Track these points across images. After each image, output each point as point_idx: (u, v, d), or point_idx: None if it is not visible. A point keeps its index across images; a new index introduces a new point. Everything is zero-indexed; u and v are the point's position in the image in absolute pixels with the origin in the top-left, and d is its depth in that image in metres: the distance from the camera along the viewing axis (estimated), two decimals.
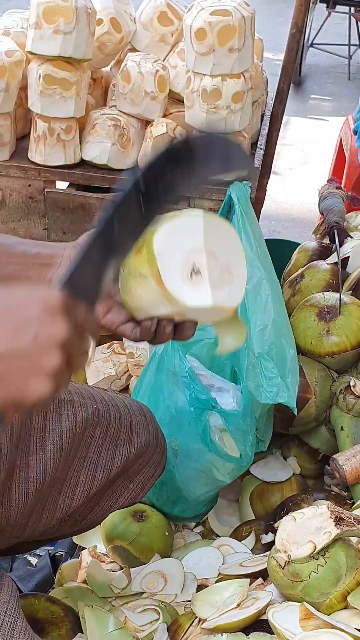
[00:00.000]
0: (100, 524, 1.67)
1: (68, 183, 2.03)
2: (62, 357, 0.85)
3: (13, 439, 1.30)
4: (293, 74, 2.31)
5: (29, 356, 0.84)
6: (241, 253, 1.06)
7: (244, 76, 1.89)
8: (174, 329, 1.05)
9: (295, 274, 2.10)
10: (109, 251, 0.94)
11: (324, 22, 6.16)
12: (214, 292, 1.01)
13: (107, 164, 1.95)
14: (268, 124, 2.29)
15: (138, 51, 2.09)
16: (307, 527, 1.44)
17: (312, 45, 6.19)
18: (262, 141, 2.22)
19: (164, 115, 2.02)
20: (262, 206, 2.44)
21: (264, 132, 2.27)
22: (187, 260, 1.00)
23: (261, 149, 2.17)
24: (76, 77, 1.88)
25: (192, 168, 0.98)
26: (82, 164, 1.99)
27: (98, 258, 0.94)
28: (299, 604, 1.39)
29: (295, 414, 1.74)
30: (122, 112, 1.98)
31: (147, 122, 1.99)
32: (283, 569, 1.42)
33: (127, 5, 2.08)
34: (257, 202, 2.22)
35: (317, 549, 1.40)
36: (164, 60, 2.06)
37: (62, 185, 2.04)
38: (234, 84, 1.87)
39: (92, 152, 1.96)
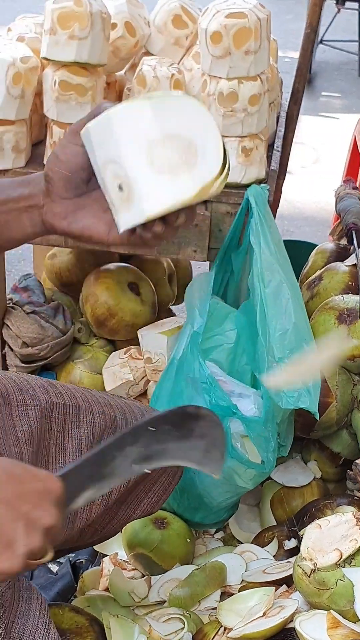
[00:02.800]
0: (120, 532, 1.67)
1: None
2: (42, 542, 0.87)
3: (33, 447, 1.29)
4: None
5: (15, 529, 0.85)
6: (207, 125, 0.99)
7: (260, 78, 1.87)
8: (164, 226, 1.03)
9: (313, 276, 2.08)
10: (94, 477, 0.98)
11: (333, 18, 6.13)
12: (175, 183, 0.97)
13: None
14: (284, 125, 2.27)
15: (153, 55, 2.08)
16: (333, 535, 1.44)
17: (321, 42, 6.16)
18: (278, 143, 2.21)
19: None
20: (277, 207, 2.42)
21: (280, 133, 2.25)
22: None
23: (278, 150, 2.16)
24: (92, 82, 1.87)
25: (188, 438, 1.05)
26: None
27: (91, 475, 0.97)
28: (325, 612, 1.39)
29: (317, 419, 1.73)
30: None
31: None
32: (309, 577, 1.41)
33: (142, 9, 2.07)
34: (274, 203, 2.20)
35: (343, 557, 1.39)
36: (179, 64, 2.05)
37: None
38: (250, 86, 1.85)
39: None
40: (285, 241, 1.94)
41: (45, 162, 1.97)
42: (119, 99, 2.19)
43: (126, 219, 1.00)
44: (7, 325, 2.15)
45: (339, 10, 6.07)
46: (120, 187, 0.99)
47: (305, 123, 5.08)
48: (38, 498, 0.87)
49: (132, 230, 1.03)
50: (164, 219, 1.01)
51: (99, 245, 1.12)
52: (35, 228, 1.11)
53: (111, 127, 0.98)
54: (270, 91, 2.11)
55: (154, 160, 0.97)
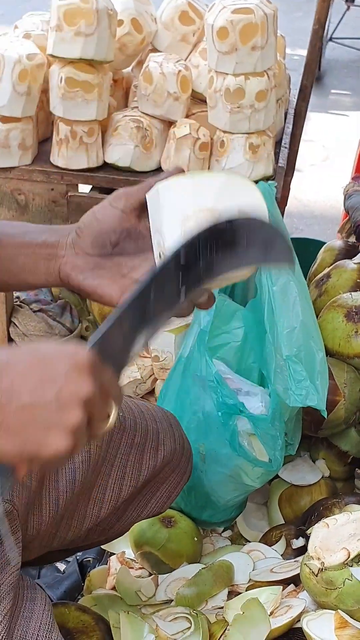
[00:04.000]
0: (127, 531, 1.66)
1: (91, 186, 2.02)
2: (83, 415, 0.84)
3: None
4: None
5: (50, 410, 0.83)
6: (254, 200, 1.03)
7: (267, 74, 1.86)
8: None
9: (321, 274, 2.07)
10: (141, 320, 0.93)
11: (343, 15, 6.10)
12: None
13: (130, 166, 1.94)
14: (292, 122, 2.26)
15: (159, 51, 2.07)
16: (341, 534, 1.43)
17: (331, 39, 6.13)
18: (286, 140, 2.19)
19: (187, 116, 2.00)
20: (286, 205, 2.41)
21: (288, 130, 2.24)
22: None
23: (285, 147, 2.15)
24: (98, 79, 1.87)
25: (233, 250, 0.96)
26: (105, 166, 1.98)
27: (130, 325, 0.92)
28: (333, 612, 1.37)
29: (325, 417, 1.72)
30: (145, 114, 1.96)
31: (169, 123, 1.97)
32: (316, 576, 1.40)
33: (148, 5, 2.07)
34: (282, 201, 2.20)
35: (351, 556, 1.38)
36: (185, 60, 2.04)
37: (85, 188, 2.03)
38: (257, 82, 1.84)
39: (115, 154, 1.94)
40: (293, 239, 1.93)
41: (51, 159, 1.97)
42: (126, 96, 2.18)
43: None
44: (15, 323, 2.15)
45: (348, 7, 6.04)
46: (160, 256, 1.03)
47: (315, 121, 5.05)
48: (66, 375, 0.84)
49: None
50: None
51: (109, 304, 1.12)
52: (49, 277, 1.12)
53: (158, 198, 1.02)
54: (278, 88, 2.10)
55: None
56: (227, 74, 1.85)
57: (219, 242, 0.95)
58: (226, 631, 1.42)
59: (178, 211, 1.01)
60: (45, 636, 1.06)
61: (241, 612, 1.42)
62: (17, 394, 0.82)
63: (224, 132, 1.90)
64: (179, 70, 1.91)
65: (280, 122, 2.19)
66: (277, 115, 2.12)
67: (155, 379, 2.13)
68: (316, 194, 4.14)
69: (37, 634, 1.06)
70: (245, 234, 0.96)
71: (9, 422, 0.82)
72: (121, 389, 0.91)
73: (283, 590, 1.54)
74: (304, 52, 2.26)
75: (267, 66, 1.87)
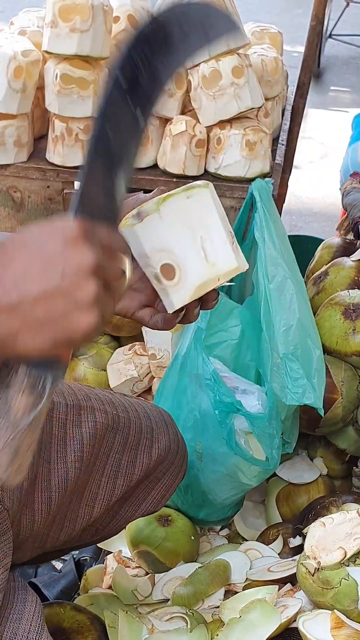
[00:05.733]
0: (123, 530, 1.65)
1: None
2: (97, 284, 0.82)
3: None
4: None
5: (63, 293, 0.81)
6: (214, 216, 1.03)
7: (237, 54, 1.87)
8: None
9: (319, 271, 2.06)
10: (111, 162, 0.88)
11: (342, 12, 6.09)
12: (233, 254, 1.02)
13: None
14: (289, 118, 2.25)
15: None
16: (337, 533, 1.42)
17: (330, 36, 6.12)
18: (283, 136, 2.18)
19: (183, 113, 1.99)
20: (283, 202, 2.40)
21: (285, 127, 2.23)
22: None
23: (283, 144, 2.14)
24: (94, 75, 1.86)
25: (170, 47, 0.91)
26: None
27: (102, 173, 0.88)
28: (329, 611, 1.37)
29: (322, 415, 1.71)
30: None
31: (165, 120, 1.96)
32: (313, 575, 1.39)
33: (145, 1, 2.06)
34: (279, 198, 2.18)
35: (347, 556, 1.37)
36: None
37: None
38: (229, 60, 1.84)
39: None
40: (291, 236, 1.92)
41: (47, 156, 1.96)
42: None
43: (177, 298, 1.02)
44: None
45: (348, 4, 6.02)
46: (165, 273, 1.02)
47: (314, 118, 5.04)
48: (64, 253, 0.81)
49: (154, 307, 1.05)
50: (201, 298, 1.03)
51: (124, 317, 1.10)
52: None
53: (161, 220, 1.02)
54: (275, 84, 2.09)
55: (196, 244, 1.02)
56: (201, 63, 1.86)
57: (151, 45, 0.89)
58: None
59: (186, 227, 1.01)
60: (35, 638, 1.05)
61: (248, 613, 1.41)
62: (25, 290, 0.80)
63: (220, 124, 1.89)
64: None
65: (277, 119, 2.18)
66: (274, 111, 2.11)
67: (152, 377, 2.12)
68: (315, 192, 4.13)
69: (27, 636, 1.05)
70: (175, 24, 0.91)
71: (30, 319, 0.80)
72: (123, 239, 0.89)
73: (280, 589, 1.53)
74: (303, 49, 2.25)
75: (240, 43, 1.87)
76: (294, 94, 2.28)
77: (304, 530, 1.53)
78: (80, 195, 0.86)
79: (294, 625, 1.39)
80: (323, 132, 4.84)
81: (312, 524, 1.46)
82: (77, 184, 0.90)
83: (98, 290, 0.82)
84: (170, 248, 1.01)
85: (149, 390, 2.13)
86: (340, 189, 2.52)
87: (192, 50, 0.94)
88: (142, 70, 0.89)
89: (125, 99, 0.88)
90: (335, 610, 1.36)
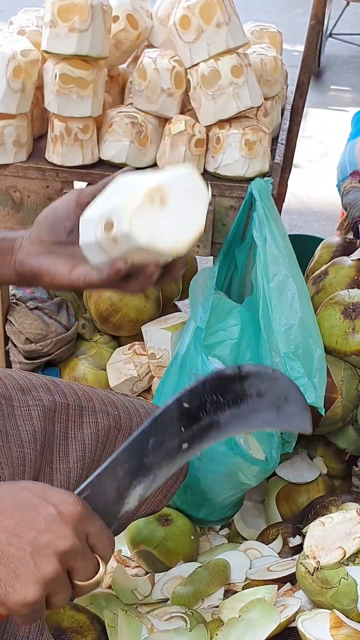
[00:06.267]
0: (123, 531, 1.65)
1: (86, 183, 2.00)
2: (58, 568, 0.80)
3: (37, 447, 1.28)
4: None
5: (24, 556, 0.80)
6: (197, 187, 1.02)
7: (237, 53, 1.87)
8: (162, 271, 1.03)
9: (318, 271, 2.06)
10: (138, 468, 0.88)
11: (342, 11, 6.08)
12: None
13: (126, 162, 1.92)
14: (289, 117, 2.25)
15: (155, 47, 2.06)
16: (336, 533, 1.42)
17: (330, 35, 6.12)
18: (283, 136, 2.18)
19: (182, 112, 1.99)
20: (283, 201, 2.40)
21: (285, 126, 2.23)
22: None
23: (282, 143, 2.14)
24: (93, 75, 1.85)
25: (242, 403, 0.91)
26: (100, 163, 1.96)
27: (125, 472, 0.88)
28: (329, 611, 1.37)
29: (323, 415, 1.71)
30: (139, 110, 1.95)
31: (164, 120, 1.96)
32: (312, 575, 1.39)
33: (144, 1, 2.05)
34: (279, 197, 2.18)
35: (346, 555, 1.37)
36: None
37: (80, 185, 2.02)
38: (228, 59, 1.84)
39: (110, 151, 1.93)
40: (291, 236, 1.92)
41: (46, 156, 1.96)
42: (122, 92, 2.17)
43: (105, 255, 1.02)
44: (11, 321, 2.14)
45: (348, 3, 6.02)
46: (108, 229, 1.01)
47: (314, 117, 5.04)
48: (47, 523, 0.81)
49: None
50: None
51: (60, 285, 1.11)
52: (4, 270, 1.12)
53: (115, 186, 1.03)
54: (274, 83, 2.08)
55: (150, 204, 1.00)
56: (199, 63, 1.86)
57: (225, 391, 0.90)
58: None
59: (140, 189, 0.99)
60: (36, 638, 1.05)
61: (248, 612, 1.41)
62: None
63: (219, 123, 1.89)
64: (173, 67, 1.89)
65: (277, 118, 2.18)
66: (273, 111, 2.11)
67: (152, 377, 2.12)
68: (315, 191, 4.13)
69: (27, 637, 1.05)
70: (256, 386, 0.91)
71: None
72: (111, 543, 0.86)
73: (279, 589, 1.53)
74: (303, 49, 2.24)
75: (239, 42, 1.87)
76: (293, 93, 2.27)
77: (304, 530, 1.53)
78: (94, 478, 0.87)
79: (293, 624, 1.39)
80: (323, 131, 4.84)
81: (312, 523, 1.46)
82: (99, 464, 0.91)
83: (55, 574, 0.80)
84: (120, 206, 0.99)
85: (148, 389, 2.13)
86: (337, 185, 2.52)
87: (257, 420, 0.93)
88: (206, 408, 0.89)
89: (179, 425, 0.89)
90: (334, 609, 1.36)
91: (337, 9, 6.15)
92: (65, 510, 0.82)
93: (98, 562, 0.84)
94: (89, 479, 0.87)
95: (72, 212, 1.09)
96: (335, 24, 6.11)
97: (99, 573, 0.84)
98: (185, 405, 0.88)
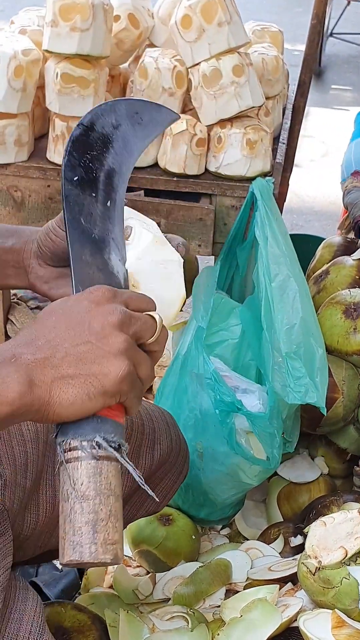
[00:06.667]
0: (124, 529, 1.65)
1: None
2: (124, 335, 0.86)
3: (39, 447, 1.28)
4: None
5: (91, 344, 0.86)
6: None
7: (238, 53, 1.87)
8: None
9: (319, 270, 2.06)
10: (96, 245, 0.97)
11: (343, 11, 6.09)
12: None
13: None
14: (290, 117, 2.25)
15: (156, 47, 2.06)
16: (338, 532, 1.41)
17: (331, 34, 6.12)
18: (284, 135, 2.18)
19: (183, 112, 1.99)
20: (284, 201, 2.40)
21: (286, 125, 2.23)
22: None
23: (283, 143, 2.14)
24: (94, 74, 1.85)
25: (106, 138, 1.01)
26: None
27: (89, 254, 0.97)
28: (330, 611, 1.36)
29: (325, 414, 1.71)
30: None
31: None
32: (314, 575, 1.39)
33: (145, 0, 2.05)
34: (280, 197, 2.18)
35: (348, 555, 1.37)
36: None
37: None
38: (230, 59, 1.85)
39: None
40: (292, 235, 1.92)
41: (47, 156, 1.96)
42: (123, 91, 2.17)
43: None
44: (12, 320, 2.14)
45: (349, 2, 6.02)
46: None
47: (315, 116, 5.04)
48: (89, 312, 0.88)
49: None
50: None
51: None
52: (19, 282, 1.17)
53: None
54: (275, 83, 2.08)
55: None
56: (200, 62, 1.86)
57: (85, 145, 0.99)
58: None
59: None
60: (36, 639, 1.05)
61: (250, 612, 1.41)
62: (57, 345, 0.85)
63: (220, 123, 1.89)
64: (174, 66, 1.89)
65: (278, 117, 2.18)
66: (275, 110, 2.11)
67: (154, 375, 2.12)
68: (316, 190, 4.13)
69: (28, 637, 1.04)
70: (102, 120, 1.01)
71: (63, 370, 0.84)
72: (146, 296, 0.93)
73: (281, 588, 1.53)
74: (304, 48, 2.25)
75: (241, 42, 1.88)
76: (294, 92, 2.28)
77: (305, 530, 1.53)
78: (76, 276, 0.95)
79: (294, 624, 1.39)
80: (324, 130, 4.84)
81: (313, 523, 1.46)
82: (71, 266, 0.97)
83: (126, 341, 0.86)
84: None
85: (149, 389, 2.13)
86: (341, 183, 2.52)
87: (130, 135, 1.03)
88: (84, 166, 0.99)
89: (86, 192, 0.99)
90: (336, 609, 1.36)
91: (337, 8, 6.15)
92: (96, 296, 0.89)
93: (152, 317, 0.91)
94: (73, 283, 0.95)
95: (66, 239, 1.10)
96: (336, 24, 6.12)
97: (158, 324, 0.91)
98: (73, 176, 0.98)
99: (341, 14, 6.09)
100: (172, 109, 1.11)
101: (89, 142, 1.01)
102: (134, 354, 0.87)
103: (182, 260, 1.03)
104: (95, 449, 0.85)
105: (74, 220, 0.98)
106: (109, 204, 1.01)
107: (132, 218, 1.06)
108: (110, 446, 0.86)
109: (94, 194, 1.00)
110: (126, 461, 0.88)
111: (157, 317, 0.91)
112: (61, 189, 0.99)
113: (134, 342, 0.87)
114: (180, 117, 1.15)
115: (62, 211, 1.00)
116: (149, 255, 1.02)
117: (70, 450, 0.86)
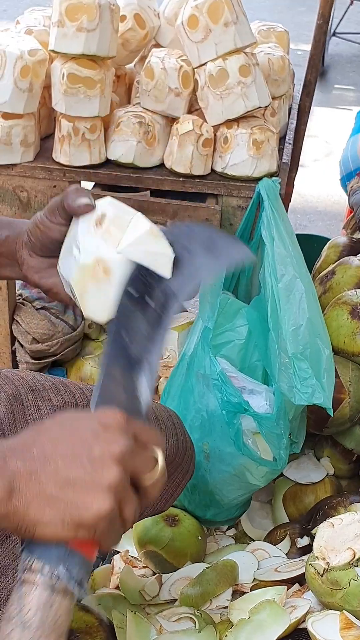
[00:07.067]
0: (130, 529, 1.65)
1: (94, 183, 2.00)
2: (120, 472, 0.83)
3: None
4: None
5: (85, 471, 0.83)
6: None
7: (244, 53, 1.86)
8: None
9: (325, 271, 2.06)
10: (129, 363, 0.93)
11: (346, 10, 6.08)
12: None
13: (133, 162, 1.92)
14: (296, 117, 2.24)
15: (162, 47, 2.06)
16: (346, 534, 1.41)
17: (334, 34, 6.11)
18: (290, 135, 2.18)
19: (189, 112, 1.98)
20: (290, 201, 2.40)
21: (292, 126, 2.23)
22: None
23: (290, 143, 2.13)
24: (100, 75, 1.85)
25: (178, 263, 0.98)
26: (107, 163, 1.96)
27: (121, 374, 0.93)
28: (338, 612, 1.36)
29: (331, 415, 1.71)
30: (147, 110, 1.94)
31: (172, 119, 1.96)
32: (322, 576, 1.39)
33: (151, 0, 2.05)
34: (286, 197, 2.18)
35: (356, 556, 1.37)
36: None
37: (87, 185, 2.02)
38: (236, 59, 1.84)
39: (118, 151, 1.93)
40: (297, 235, 1.91)
41: (53, 156, 1.96)
42: (129, 91, 2.17)
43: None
44: (17, 321, 2.14)
45: (351, 2, 6.02)
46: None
47: (318, 116, 5.04)
48: (95, 436, 0.84)
49: None
50: None
51: (63, 302, 1.17)
52: (12, 273, 1.17)
53: (76, 228, 1.04)
54: (282, 83, 2.08)
55: None
56: (207, 63, 1.85)
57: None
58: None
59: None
60: None
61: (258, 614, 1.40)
62: (51, 460, 0.82)
63: (227, 123, 1.89)
64: (181, 66, 1.89)
65: (284, 117, 2.17)
66: (280, 110, 2.10)
67: (159, 377, 2.12)
68: (319, 190, 4.13)
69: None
70: (181, 239, 0.99)
71: (47, 489, 0.81)
72: (158, 433, 0.90)
73: (288, 590, 1.53)
74: (307, 47, 2.25)
75: (247, 42, 1.87)
76: (300, 92, 2.27)
77: (313, 531, 1.53)
78: (100, 392, 0.91)
79: (302, 625, 1.39)
80: (327, 130, 4.84)
81: (321, 524, 1.46)
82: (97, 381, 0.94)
83: (119, 478, 0.83)
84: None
85: (155, 390, 2.13)
86: (341, 179, 2.52)
87: (201, 269, 1.00)
88: (150, 283, 0.97)
89: (138, 307, 0.96)
90: (344, 610, 1.36)
91: (340, 8, 6.14)
92: (108, 420, 0.85)
93: (154, 455, 0.87)
94: (95, 396, 0.91)
95: (59, 235, 1.09)
96: (339, 23, 6.11)
97: (160, 460, 0.87)
98: (132, 291, 0.96)
99: (344, 14, 6.09)
100: (249, 249, 1.07)
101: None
102: (122, 493, 0.83)
103: (174, 256, 0.99)
104: (53, 579, 0.82)
105: (116, 332, 0.95)
106: (157, 325, 0.97)
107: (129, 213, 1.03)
108: (70, 581, 0.82)
109: (143, 311, 0.97)
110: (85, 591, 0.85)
111: (160, 459, 0.88)
112: (118, 295, 0.96)
113: (127, 479, 0.84)
114: (254, 258, 1.11)
115: (112, 318, 0.97)
116: (141, 244, 0.99)
117: (30, 570, 0.82)
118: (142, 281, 0.97)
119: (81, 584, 0.83)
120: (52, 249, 1.11)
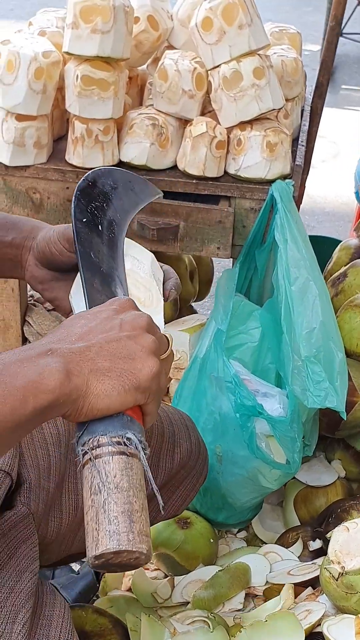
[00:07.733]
0: None
1: None
2: (152, 337, 0.92)
3: (62, 450, 1.28)
4: None
5: (125, 341, 0.90)
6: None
7: (258, 55, 1.87)
8: None
9: (337, 273, 2.05)
10: (104, 278, 1.06)
11: (353, 11, 6.05)
12: None
13: (146, 164, 1.92)
14: (308, 119, 2.24)
15: (175, 49, 2.05)
16: None
17: (341, 34, 6.09)
18: (302, 137, 2.18)
19: (203, 114, 1.98)
20: (301, 202, 2.39)
21: (304, 127, 2.22)
22: None
23: (303, 145, 2.13)
24: (114, 77, 1.85)
25: (110, 195, 1.15)
26: (121, 165, 1.96)
27: (101, 285, 1.04)
28: (354, 616, 1.36)
29: (344, 419, 1.70)
30: (160, 111, 1.94)
31: (185, 121, 1.95)
32: (337, 580, 1.39)
33: (164, 2, 2.04)
34: (297, 199, 2.17)
35: None
36: None
37: None
38: (250, 61, 1.84)
39: (131, 153, 1.92)
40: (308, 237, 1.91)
41: (66, 158, 1.95)
42: (141, 93, 2.16)
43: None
44: (29, 322, 2.14)
45: (359, 2, 6.00)
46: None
47: (326, 117, 4.99)
48: (118, 315, 0.93)
49: None
50: None
51: (65, 312, 1.24)
52: (15, 274, 1.23)
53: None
54: (295, 85, 2.08)
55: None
56: (221, 64, 1.85)
57: (90, 194, 1.13)
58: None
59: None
60: (67, 638, 1.04)
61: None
62: (91, 341, 0.89)
63: (240, 125, 1.89)
64: (194, 68, 1.89)
65: (297, 119, 2.17)
66: (293, 112, 2.10)
67: (170, 379, 2.12)
68: (327, 191, 4.12)
69: (59, 637, 1.04)
70: (104, 182, 1.16)
71: (99, 364, 0.87)
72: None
73: (301, 593, 1.53)
74: (313, 47, 2.25)
75: (262, 44, 1.87)
76: (311, 94, 2.27)
77: (327, 535, 1.53)
78: (88, 297, 1.02)
79: (317, 629, 1.39)
80: (335, 131, 4.83)
81: (336, 528, 1.46)
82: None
83: (154, 342, 0.92)
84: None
85: (166, 392, 2.13)
86: (355, 192, 2.51)
87: (125, 198, 1.17)
88: (90, 212, 1.11)
89: (93, 234, 1.10)
90: (359, 615, 1.36)
91: (348, 8, 6.11)
92: (121, 304, 0.96)
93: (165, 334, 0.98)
94: (80, 302, 1.03)
95: (67, 260, 1.16)
96: (345, 24, 6.09)
97: (170, 342, 0.97)
98: (82, 219, 1.10)
99: (351, 14, 6.06)
100: (155, 186, 1.26)
101: (93, 195, 1.13)
102: (159, 355, 0.92)
103: (153, 262, 1.15)
104: (126, 445, 0.87)
105: (85, 253, 1.06)
106: (112, 247, 1.10)
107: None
108: (139, 444, 0.89)
109: (99, 236, 1.09)
110: (146, 464, 0.90)
111: (169, 336, 0.98)
112: (72, 225, 1.09)
113: (157, 344, 0.92)
114: (162, 194, 1.30)
115: (73, 238, 1.09)
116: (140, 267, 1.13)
117: (99, 446, 0.87)
118: (88, 211, 1.11)
119: (145, 447, 0.89)
120: (59, 268, 1.17)
